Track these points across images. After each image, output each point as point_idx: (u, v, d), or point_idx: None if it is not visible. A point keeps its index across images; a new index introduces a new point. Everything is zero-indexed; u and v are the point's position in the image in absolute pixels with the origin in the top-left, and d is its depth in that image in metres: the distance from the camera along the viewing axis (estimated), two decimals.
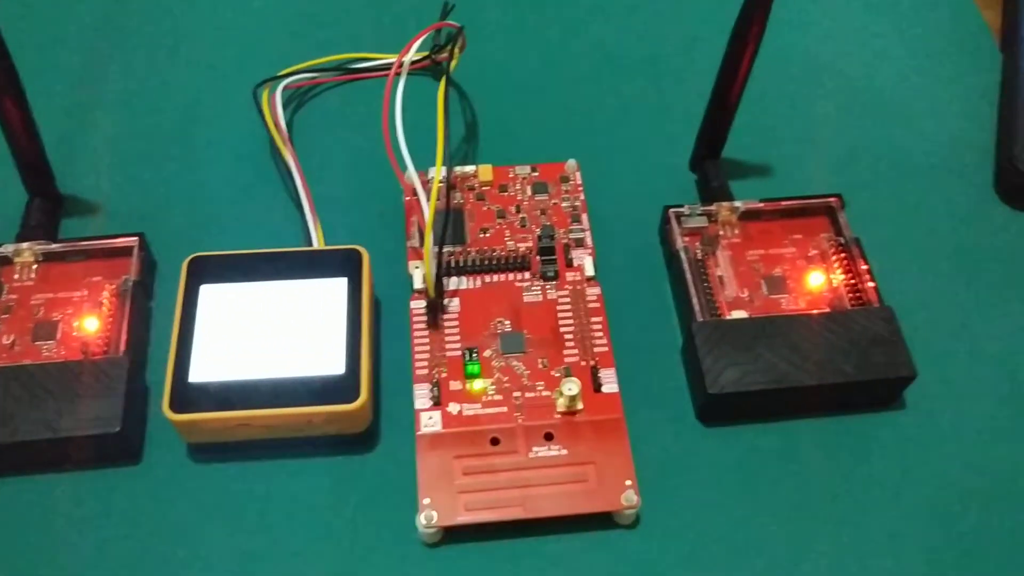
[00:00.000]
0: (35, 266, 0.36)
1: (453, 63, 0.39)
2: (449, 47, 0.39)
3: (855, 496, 0.33)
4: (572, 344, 0.35)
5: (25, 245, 0.36)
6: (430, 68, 0.43)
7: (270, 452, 0.33)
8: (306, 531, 0.32)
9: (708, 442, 0.34)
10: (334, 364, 0.32)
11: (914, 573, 0.32)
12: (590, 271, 0.36)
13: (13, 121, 0.35)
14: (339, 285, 0.34)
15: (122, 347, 0.34)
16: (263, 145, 0.41)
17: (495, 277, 0.36)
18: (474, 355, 0.34)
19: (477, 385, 0.34)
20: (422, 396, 0.33)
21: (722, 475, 0.34)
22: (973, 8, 0.47)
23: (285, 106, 0.41)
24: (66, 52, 0.44)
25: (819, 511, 0.33)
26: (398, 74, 0.36)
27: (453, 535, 0.32)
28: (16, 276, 0.36)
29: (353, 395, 0.32)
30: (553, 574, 0.31)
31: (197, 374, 0.32)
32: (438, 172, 0.34)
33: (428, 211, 0.34)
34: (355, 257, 0.35)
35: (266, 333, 0.33)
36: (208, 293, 0.34)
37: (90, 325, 0.35)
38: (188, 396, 0.32)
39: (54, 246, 0.36)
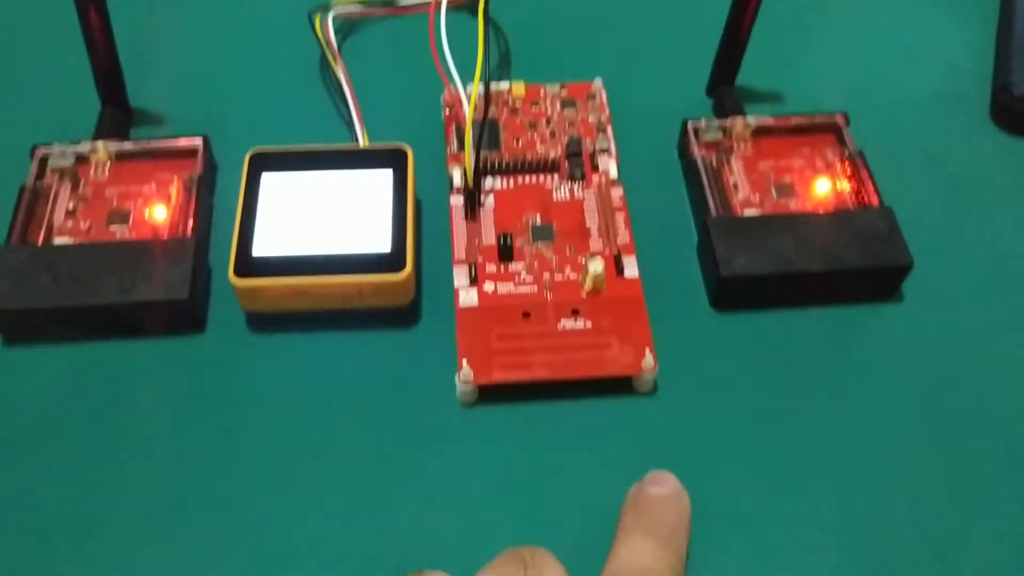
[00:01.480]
0: (108, 163, 0.40)
1: None
2: None
3: (854, 377, 0.36)
4: (597, 235, 0.38)
5: (100, 143, 0.40)
6: (468, 5, 0.47)
7: (322, 325, 0.37)
8: (354, 396, 0.35)
9: (720, 326, 0.37)
10: (381, 242, 0.36)
11: (904, 448, 0.34)
12: (614, 174, 0.40)
13: (95, 30, 0.39)
14: (386, 176, 0.38)
15: (189, 231, 0.37)
16: (315, 64, 0.45)
17: (527, 179, 0.40)
18: (508, 240, 0.37)
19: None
20: (460, 275, 0.37)
21: (733, 356, 0.37)
22: None
23: (336, 32, 0.45)
24: None
25: (820, 391, 0.36)
26: None
27: (487, 396, 0.35)
28: (92, 172, 0.40)
29: (399, 267, 0.35)
30: (578, 434, 0.34)
31: (260, 248, 0.35)
32: (477, 78, 0.38)
33: (468, 109, 0.37)
34: (400, 153, 0.38)
35: (321, 216, 0.36)
36: (269, 180, 0.37)
37: (159, 213, 0.38)
38: (251, 264, 0.35)
39: (126, 145, 0.40)
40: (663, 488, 0.31)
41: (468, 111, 0.37)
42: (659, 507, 0.31)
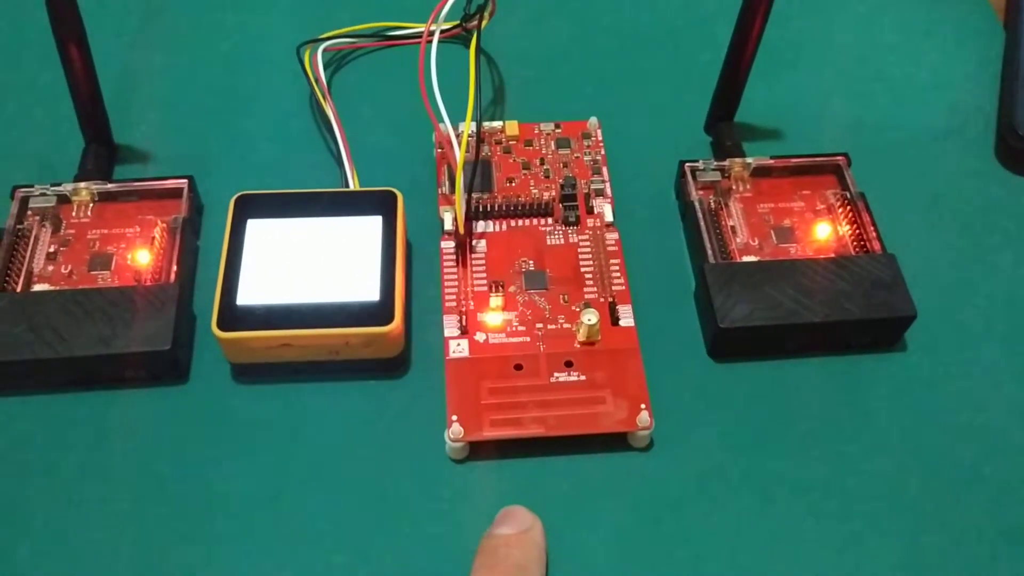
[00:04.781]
0: (91, 204, 0.39)
1: (484, 23, 0.41)
2: (479, 11, 0.42)
3: (857, 430, 0.35)
4: (591, 282, 0.37)
5: (83, 184, 0.39)
6: (461, 36, 0.46)
7: (310, 375, 0.36)
8: (341, 449, 0.34)
9: (718, 377, 0.36)
10: (370, 291, 0.35)
11: (912, 505, 0.33)
12: (609, 217, 0.39)
13: (76, 66, 0.38)
14: (375, 222, 0.37)
15: (172, 276, 0.36)
16: (305, 100, 0.44)
17: (520, 222, 0.39)
18: (499, 288, 0.36)
19: (499, 318, 0.36)
20: (451, 325, 0.36)
21: (731, 408, 0.36)
22: None
23: (326, 67, 0.44)
24: (123, 9, 0.48)
25: (822, 444, 0.35)
26: (431, 34, 0.39)
27: (478, 452, 0.34)
28: (74, 214, 0.39)
29: (388, 319, 0.34)
30: (571, 491, 0.33)
31: (244, 297, 0.34)
32: (468, 119, 0.37)
33: (459, 153, 0.36)
34: (390, 198, 0.37)
35: (307, 264, 0.35)
36: (254, 227, 0.36)
37: (142, 257, 0.37)
38: (235, 316, 0.34)
39: (109, 186, 0.39)
40: (509, 527, 0.31)
41: (459, 155, 0.36)
42: (504, 548, 0.30)
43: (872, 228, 0.38)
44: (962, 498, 0.34)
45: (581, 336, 0.35)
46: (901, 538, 0.33)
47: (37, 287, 0.36)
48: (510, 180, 0.40)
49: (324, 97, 0.42)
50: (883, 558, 0.32)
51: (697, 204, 0.39)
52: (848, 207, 0.39)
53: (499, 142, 0.41)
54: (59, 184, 0.39)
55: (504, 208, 0.39)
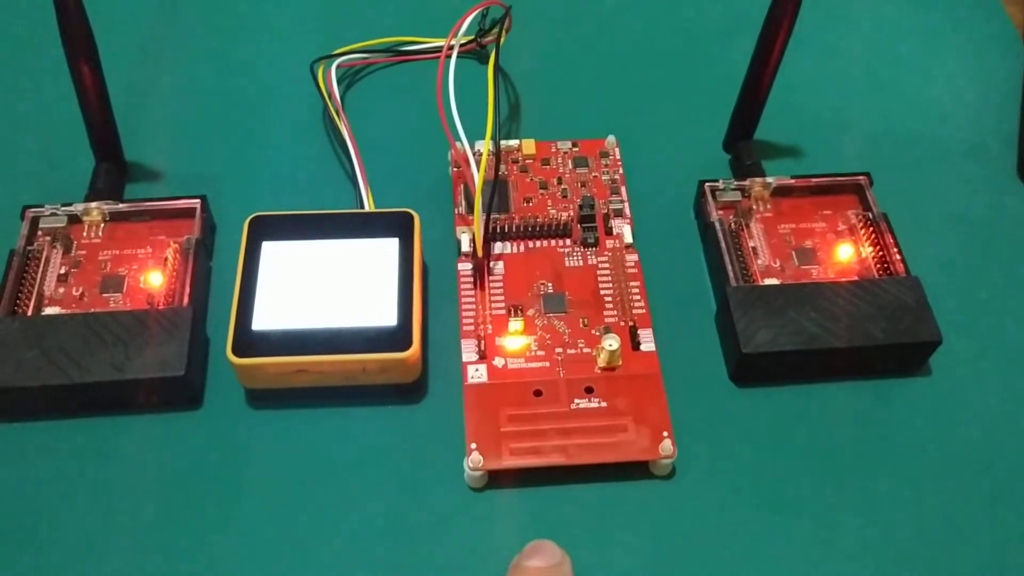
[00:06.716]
0: (102, 225, 0.38)
1: (502, 40, 0.41)
2: (497, 27, 0.41)
3: (881, 456, 0.35)
4: (611, 306, 0.36)
5: (93, 205, 0.38)
6: (475, 52, 0.45)
7: (325, 400, 0.35)
8: (357, 475, 0.34)
9: (741, 402, 0.36)
10: (387, 316, 0.34)
11: (935, 532, 0.33)
12: (628, 239, 0.38)
13: (87, 85, 0.37)
14: (391, 245, 0.36)
15: (186, 299, 0.36)
16: (318, 117, 0.43)
17: (538, 243, 0.38)
18: (518, 312, 0.36)
19: (519, 342, 0.35)
20: (469, 350, 0.35)
21: (754, 433, 0.35)
22: (999, 6, 0.49)
23: (339, 83, 0.44)
24: (133, 27, 0.47)
25: (847, 470, 0.34)
26: (451, 48, 0.38)
27: (497, 480, 0.33)
28: (85, 234, 0.38)
29: (405, 344, 0.33)
30: (592, 520, 0.33)
31: (259, 322, 0.34)
32: (488, 138, 0.36)
33: (478, 176, 0.36)
34: (407, 219, 0.37)
35: (324, 287, 0.35)
36: (269, 249, 0.36)
37: (155, 279, 0.37)
38: (250, 342, 0.33)
39: (121, 206, 0.38)
40: (540, 559, 0.30)
41: (477, 176, 0.36)
42: None
43: (895, 250, 0.38)
44: (987, 524, 0.33)
45: (602, 361, 0.35)
46: (927, 564, 0.32)
47: (48, 310, 0.36)
48: (527, 200, 0.39)
49: (338, 114, 0.41)
50: None
51: (717, 225, 0.38)
52: (871, 228, 0.39)
53: (515, 160, 0.41)
54: (70, 204, 0.38)
55: (521, 229, 0.38)
